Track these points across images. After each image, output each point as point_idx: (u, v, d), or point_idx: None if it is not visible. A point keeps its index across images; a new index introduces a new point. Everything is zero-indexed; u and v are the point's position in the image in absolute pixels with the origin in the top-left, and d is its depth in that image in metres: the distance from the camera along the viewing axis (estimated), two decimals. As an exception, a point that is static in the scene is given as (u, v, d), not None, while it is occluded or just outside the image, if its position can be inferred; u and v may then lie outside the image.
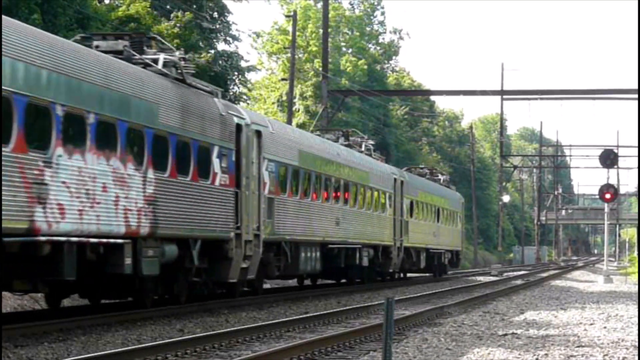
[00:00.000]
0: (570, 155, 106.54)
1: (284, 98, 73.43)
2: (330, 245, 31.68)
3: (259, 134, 25.57)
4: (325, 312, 23.21)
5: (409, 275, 47.76)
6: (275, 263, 27.49)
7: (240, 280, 24.78)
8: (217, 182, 22.46)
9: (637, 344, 17.52)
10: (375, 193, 37.21)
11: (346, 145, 36.50)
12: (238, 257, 23.73)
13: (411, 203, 42.90)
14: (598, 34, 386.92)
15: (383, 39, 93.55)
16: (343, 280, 37.91)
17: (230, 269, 23.53)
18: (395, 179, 40.35)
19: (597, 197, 57.22)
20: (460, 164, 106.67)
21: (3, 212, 14.88)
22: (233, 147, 23.51)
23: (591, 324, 21.99)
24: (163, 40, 23.20)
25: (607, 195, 49.73)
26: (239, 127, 24.06)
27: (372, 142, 41.05)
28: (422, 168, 52.98)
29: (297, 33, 70.14)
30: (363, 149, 38.87)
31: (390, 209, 39.17)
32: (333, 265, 32.81)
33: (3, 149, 15.09)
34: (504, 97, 70.17)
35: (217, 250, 22.99)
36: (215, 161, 22.36)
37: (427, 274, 49.94)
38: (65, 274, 16.76)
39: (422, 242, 45.04)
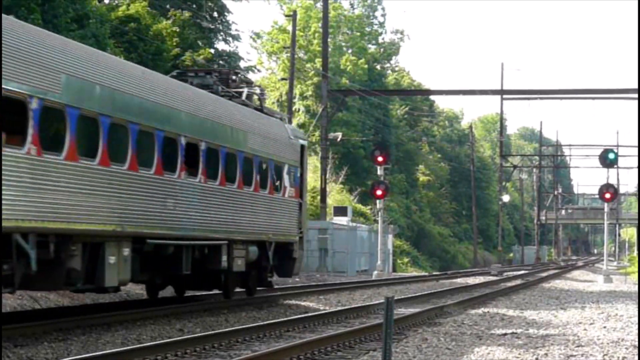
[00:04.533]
0: (570, 155, 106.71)
1: (284, 98, 73.45)
2: None
3: None
4: (325, 312, 23.22)
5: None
6: None
7: None
8: None
9: (637, 343, 17.52)
10: None
11: None
12: None
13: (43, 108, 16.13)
14: (598, 34, 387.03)
15: (383, 39, 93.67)
16: None
17: None
18: None
19: (597, 196, 57.26)
20: (460, 164, 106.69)
21: None
22: None
23: (591, 324, 22.01)
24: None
25: (607, 195, 49.73)
26: None
27: None
28: (203, 76, 25.61)
29: (299, 33, 70.24)
30: None
31: None
32: None
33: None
34: (504, 96, 70.24)
35: None
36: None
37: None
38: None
39: (99, 221, 17.84)
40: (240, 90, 25.77)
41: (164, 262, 20.99)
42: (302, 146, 28.47)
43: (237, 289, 25.71)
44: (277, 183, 26.26)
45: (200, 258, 22.25)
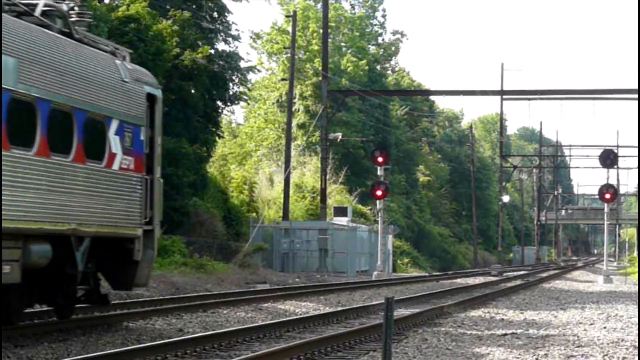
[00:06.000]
0: (570, 155, 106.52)
1: (284, 98, 73.47)
2: None
3: None
4: (325, 312, 23.22)
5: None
6: None
7: None
8: None
9: (637, 344, 17.52)
10: None
11: None
12: None
13: None
14: (598, 34, 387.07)
15: (383, 39, 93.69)
16: None
17: None
18: None
19: (597, 197, 57.26)
20: (460, 164, 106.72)
21: None
22: None
23: (591, 324, 22.00)
24: None
25: (607, 195, 49.73)
26: None
27: None
28: None
29: (298, 33, 70.25)
30: None
31: None
32: None
33: None
34: (504, 97, 70.15)
35: None
36: None
37: None
38: None
39: None
40: (34, 3, 17.14)
41: None
42: (152, 96, 19.12)
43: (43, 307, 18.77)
44: (96, 146, 17.19)
45: None
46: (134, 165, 18.22)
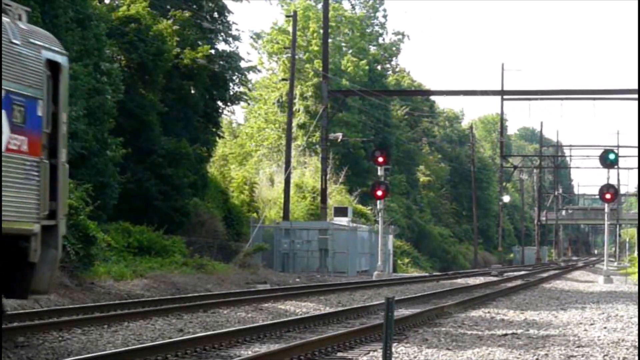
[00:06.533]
0: (571, 156, 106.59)
1: (284, 98, 73.49)
2: None
3: None
4: (325, 312, 23.21)
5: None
6: None
7: None
8: None
9: (637, 344, 17.52)
10: None
11: None
12: None
13: None
14: (598, 34, 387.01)
15: (383, 39, 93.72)
16: None
17: None
18: None
19: (597, 197, 57.27)
20: (460, 164, 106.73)
21: None
22: None
23: (591, 324, 22.00)
24: None
25: (608, 196, 49.72)
26: None
27: None
28: None
29: (298, 33, 70.29)
30: None
31: None
32: None
33: None
34: (504, 97, 70.17)
35: None
36: None
37: None
38: None
39: None
40: None
41: None
42: (54, 63, 15.34)
43: None
44: None
45: None
46: (27, 146, 14.43)
